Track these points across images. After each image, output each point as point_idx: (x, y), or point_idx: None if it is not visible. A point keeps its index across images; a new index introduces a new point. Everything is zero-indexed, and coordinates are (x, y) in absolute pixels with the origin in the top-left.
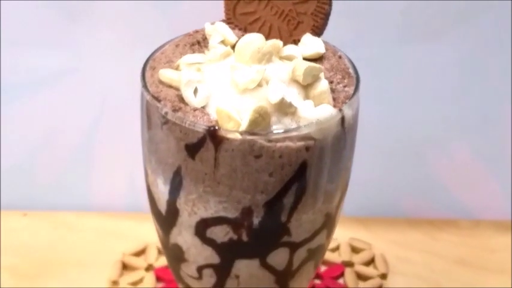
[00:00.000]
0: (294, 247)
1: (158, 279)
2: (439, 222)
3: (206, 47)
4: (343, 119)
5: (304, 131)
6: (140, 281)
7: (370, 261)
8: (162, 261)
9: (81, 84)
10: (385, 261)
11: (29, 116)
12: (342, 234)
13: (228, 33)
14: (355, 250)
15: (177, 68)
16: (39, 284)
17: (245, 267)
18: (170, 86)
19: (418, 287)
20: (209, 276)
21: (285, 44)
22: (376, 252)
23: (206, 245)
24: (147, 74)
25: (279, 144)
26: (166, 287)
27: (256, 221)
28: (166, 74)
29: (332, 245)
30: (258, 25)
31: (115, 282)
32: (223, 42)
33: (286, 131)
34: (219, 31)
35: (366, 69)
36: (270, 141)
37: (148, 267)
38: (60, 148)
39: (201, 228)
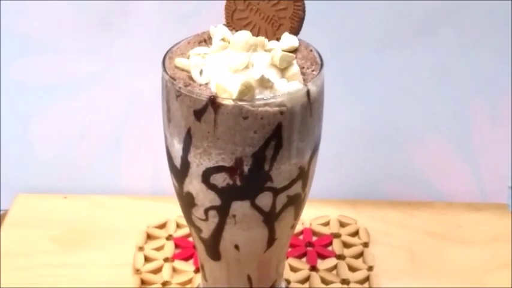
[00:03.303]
0: (275, 192)
1: (177, 246)
2: (417, 203)
3: (210, 43)
4: (308, 92)
5: (279, 100)
6: (162, 247)
7: (355, 233)
8: (180, 232)
9: (112, 85)
10: (367, 233)
11: (69, 112)
12: (332, 213)
13: (227, 33)
14: (342, 225)
15: (188, 58)
16: (80, 249)
17: (239, 208)
18: (183, 70)
19: (394, 252)
20: (213, 217)
21: (269, 40)
22: (360, 227)
23: (210, 190)
24: (166, 62)
25: (260, 109)
26: (183, 253)
27: (246, 168)
28: (180, 61)
29: (323, 220)
30: (250, 27)
31: (141, 248)
32: (223, 39)
33: (265, 99)
34: (220, 32)
35: (352, 71)
36: (254, 106)
37: (169, 237)
38: (95, 140)
39: (206, 176)
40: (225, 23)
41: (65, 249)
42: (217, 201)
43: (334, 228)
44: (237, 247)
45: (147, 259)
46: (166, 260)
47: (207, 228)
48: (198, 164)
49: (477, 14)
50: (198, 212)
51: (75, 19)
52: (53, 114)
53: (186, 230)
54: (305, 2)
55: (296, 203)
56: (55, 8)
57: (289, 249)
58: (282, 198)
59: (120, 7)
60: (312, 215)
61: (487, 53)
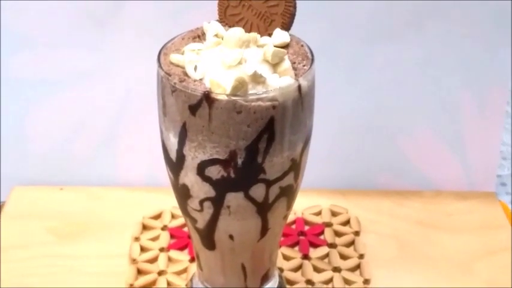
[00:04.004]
0: (268, 183)
1: (172, 236)
2: (406, 193)
3: (204, 39)
4: (299, 87)
5: (271, 94)
6: (157, 237)
7: (347, 222)
8: (175, 223)
9: (108, 79)
10: (358, 222)
11: (65, 106)
12: (323, 202)
13: (220, 29)
14: (334, 214)
15: (182, 54)
16: (76, 240)
17: (233, 199)
18: (178, 66)
19: (384, 240)
20: (208, 208)
21: (262, 36)
22: (351, 216)
23: (205, 182)
24: (161, 58)
25: (253, 104)
26: (178, 242)
27: (239, 161)
28: (174, 57)
29: (315, 210)
30: (242, 23)
31: (137, 239)
32: (216, 35)
33: (258, 94)
34: (213, 28)
35: (343, 64)
36: (247, 101)
37: (164, 227)
38: (91, 133)
39: (201, 168)
40: (218, 18)
41: (61, 241)
42: (212, 193)
43: (325, 217)
44: (231, 237)
45: (143, 249)
46: (161, 249)
47: (202, 219)
48: (193, 157)
49: (465, 7)
50: (193, 203)
51: (69, 15)
52: (49, 108)
53: (180, 221)
54: None
55: (288, 193)
56: (50, 5)
57: (282, 239)
58: (274, 190)
59: (114, 3)
60: (304, 204)
61: (475, 45)
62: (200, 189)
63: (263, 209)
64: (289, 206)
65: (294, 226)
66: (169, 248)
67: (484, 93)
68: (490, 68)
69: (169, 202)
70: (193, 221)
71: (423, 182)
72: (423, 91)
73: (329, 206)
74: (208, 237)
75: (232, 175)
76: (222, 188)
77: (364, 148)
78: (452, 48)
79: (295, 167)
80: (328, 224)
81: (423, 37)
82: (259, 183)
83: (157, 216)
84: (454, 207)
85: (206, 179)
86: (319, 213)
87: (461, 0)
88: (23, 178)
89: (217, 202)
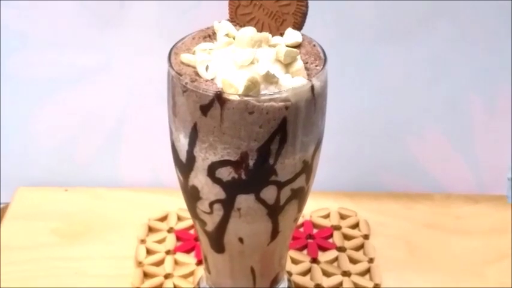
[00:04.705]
0: (280, 185)
1: (178, 238)
2: (415, 195)
3: (215, 39)
4: (312, 87)
5: (284, 95)
6: (163, 240)
7: (355, 225)
8: (181, 225)
9: (111, 79)
10: (367, 225)
11: (69, 106)
12: (332, 205)
13: (231, 28)
14: (343, 217)
15: (193, 53)
16: (81, 242)
17: (244, 201)
18: (189, 65)
19: (394, 244)
20: (218, 210)
21: (273, 36)
22: (360, 219)
23: (215, 184)
24: (172, 58)
25: (266, 104)
26: (184, 245)
27: (251, 162)
28: (185, 57)
29: (323, 213)
30: (254, 23)
31: (143, 241)
32: (227, 35)
33: (270, 95)
34: (224, 27)
35: (352, 64)
36: (259, 101)
37: (170, 230)
38: (95, 134)
39: (212, 170)
40: (228, 18)
41: (66, 242)
42: (222, 195)
43: (334, 220)
44: (241, 240)
45: (149, 252)
46: (168, 252)
47: (212, 222)
48: (204, 158)
49: (474, 6)
50: (202, 206)
51: (75, 13)
52: (53, 107)
53: (187, 223)
54: None
55: (300, 196)
56: (54, 3)
57: (290, 242)
58: (286, 192)
59: (120, 2)
60: (312, 207)
61: (484, 45)
62: (210, 191)
63: (274, 211)
64: (300, 209)
65: (302, 229)
66: (176, 250)
67: (494, 95)
68: (500, 68)
69: (175, 204)
70: (203, 223)
71: (433, 185)
72: (432, 91)
73: (337, 208)
74: (217, 240)
75: (243, 177)
76: (232, 190)
77: (372, 149)
78: (462, 49)
79: (307, 168)
80: (337, 227)
81: (432, 37)
82: (270, 185)
83: (163, 218)
84: (464, 210)
85: (217, 180)
86: (327, 216)
87: (470, 1)
88: (27, 179)
89: (228, 204)
